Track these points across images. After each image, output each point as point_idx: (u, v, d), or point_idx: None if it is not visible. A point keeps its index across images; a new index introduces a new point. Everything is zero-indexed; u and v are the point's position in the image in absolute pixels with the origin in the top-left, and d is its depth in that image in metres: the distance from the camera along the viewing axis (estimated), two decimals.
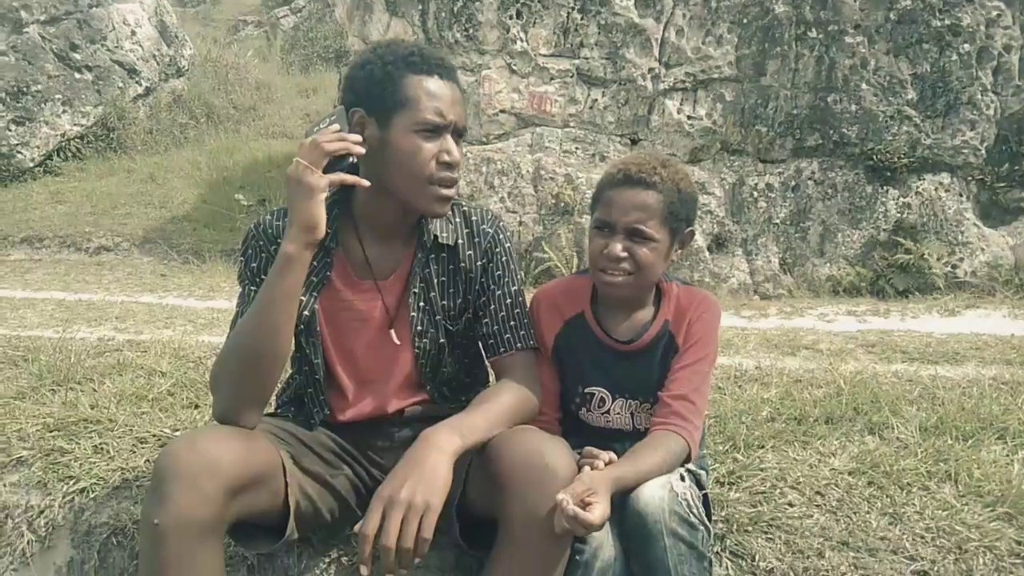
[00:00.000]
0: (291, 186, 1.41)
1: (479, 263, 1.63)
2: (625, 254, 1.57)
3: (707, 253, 5.52)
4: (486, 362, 1.74)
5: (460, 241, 1.63)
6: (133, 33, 8.84)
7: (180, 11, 13.30)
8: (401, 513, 1.27)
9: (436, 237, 1.61)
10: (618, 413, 1.69)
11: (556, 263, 5.47)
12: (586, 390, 1.69)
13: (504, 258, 1.65)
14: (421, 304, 1.61)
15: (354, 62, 1.57)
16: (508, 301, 1.64)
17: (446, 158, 1.49)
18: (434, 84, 1.49)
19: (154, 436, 2.04)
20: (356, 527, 1.30)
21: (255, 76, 10.20)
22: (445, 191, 1.51)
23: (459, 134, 1.54)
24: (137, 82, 8.76)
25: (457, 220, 1.64)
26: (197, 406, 2.26)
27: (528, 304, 1.72)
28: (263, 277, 1.50)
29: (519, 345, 1.63)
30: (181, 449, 1.32)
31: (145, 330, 3.53)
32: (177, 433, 2.05)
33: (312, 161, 1.39)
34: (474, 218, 1.65)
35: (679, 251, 1.67)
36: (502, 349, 1.63)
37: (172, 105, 9.08)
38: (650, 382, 1.65)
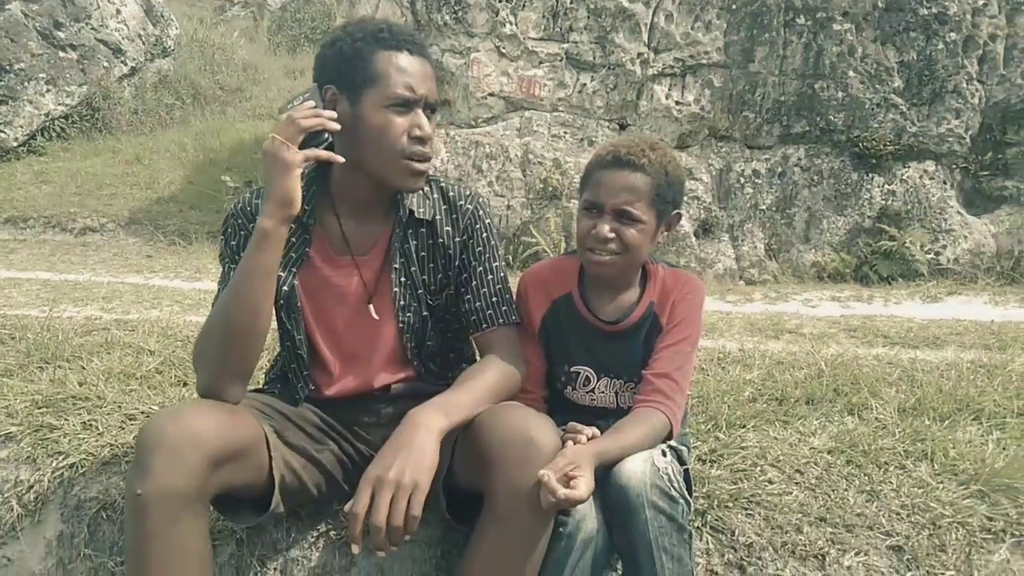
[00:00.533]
0: (267, 161, 1.43)
1: (458, 239, 1.64)
2: (612, 235, 1.59)
3: (694, 238, 5.56)
4: (470, 338, 1.76)
5: (438, 217, 1.64)
6: (118, 12, 8.74)
7: None
8: (390, 492, 1.30)
9: (412, 212, 1.62)
10: (603, 392, 1.72)
11: (544, 247, 5.48)
12: (572, 369, 1.72)
13: (484, 234, 1.66)
14: (402, 279, 1.63)
15: (325, 40, 1.58)
16: (490, 277, 1.65)
17: (417, 132, 1.50)
18: (404, 59, 1.49)
19: (142, 413, 2.05)
20: (346, 507, 1.33)
21: (242, 57, 10.13)
22: (418, 165, 1.52)
23: (431, 109, 1.54)
24: (123, 62, 8.67)
25: (435, 196, 1.65)
26: (185, 384, 2.27)
27: (514, 282, 1.74)
28: (240, 255, 1.52)
29: (501, 321, 1.65)
30: (163, 421, 1.34)
31: (132, 310, 3.53)
32: (149, 416, 2.07)
33: (288, 137, 1.41)
34: (451, 194, 1.66)
35: (665, 233, 1.69)
36: (484, 325, 1.65)
37: (158, 85, 9.00)
38: (635, 362, 1.67)
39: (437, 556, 1.70)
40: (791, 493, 1.78)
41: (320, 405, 1.68)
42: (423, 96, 1.51)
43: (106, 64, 8.46)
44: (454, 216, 1.65)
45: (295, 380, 1.67)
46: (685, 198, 5.81)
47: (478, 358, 1.74)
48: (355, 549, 1.31)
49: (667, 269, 1.74)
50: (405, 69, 1.49)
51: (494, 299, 1.65)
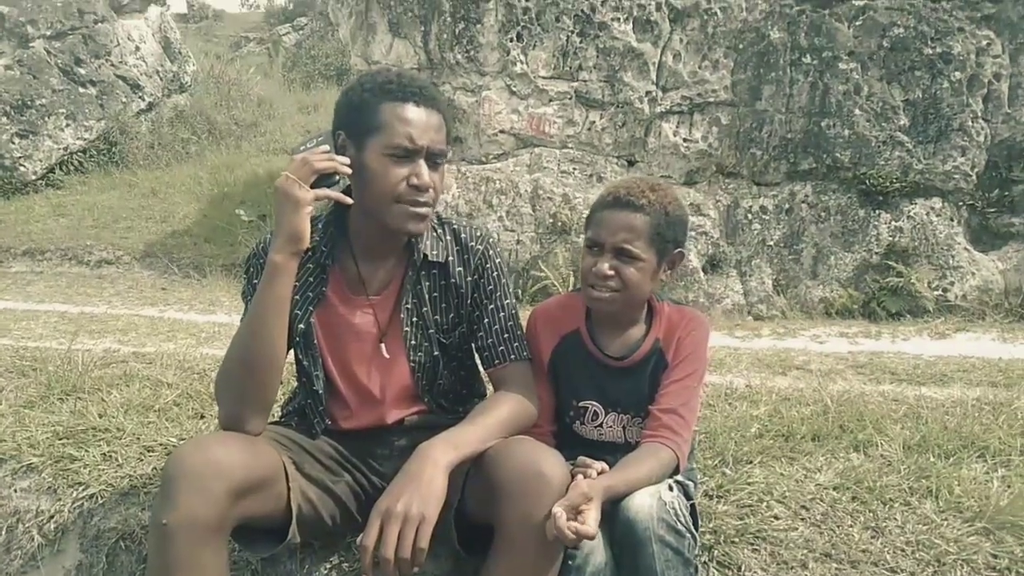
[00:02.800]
0: (278, 198, 1.50)
1: (469, 279, 1.71)
2: (612, 272, 1.64)
3: (702, 274, 5.60)
4: (482, 373, 1.81)
5: (450, 258, 1.70)
6: (137, 49, 8.96)
7: (183, 27, 13.47)
8: (398, 525, 1.34)
9: (426, 256, 1.68)
10: (610, 426, 1.75)
11: (552, 282, 5.54)
12: (580, 404, 1.76)
13: (495, 273, 1.72)
14: (414, 319, 1.69)
15: (348, 85, 1.66)
16: (502, 314, 1.71)
17: (415, 181, 1.55)
18: (409, 111, 1.55)
19: (161, 445, 2.10)
20: (358, 539, 1.36)
21: (257, 92, 10.32)
22: (415, 209, 1.57)
23: (436, 158, 1.59)
24: (140, 97, 8.87)
25: (447, 238, 1.71)
26: (203, 416, 2.32)
27: (524, 317, 1.80)
28: None
29: (513, 356, 1.70)
30: (189, 452, 1.39)
31: (148, 343, 3.59)
32: (175, 448, 2.11)
33: (301, 176, 1.49)
34: (463, 236, 1.72)
35: (668, 271, 1.74)
36: (497, 361, 1.70)
37: (174, 120, 9.18)
38: (642, 397, 1.71)
39: None
40: (796, 529, 1.80)
41: (336, 437, 1.72)
42: (423, 147, 1.56)
43: (124, 99, 8.66)
44: (465, 256, 1.71)
45: (311, 415, 1.72)
46: (693, 234, 5.86)
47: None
48: None
49: (672, 306, 1.78)
50: (409, 120, 1.55)
51: (506, 335, 1.71)
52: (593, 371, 1.75)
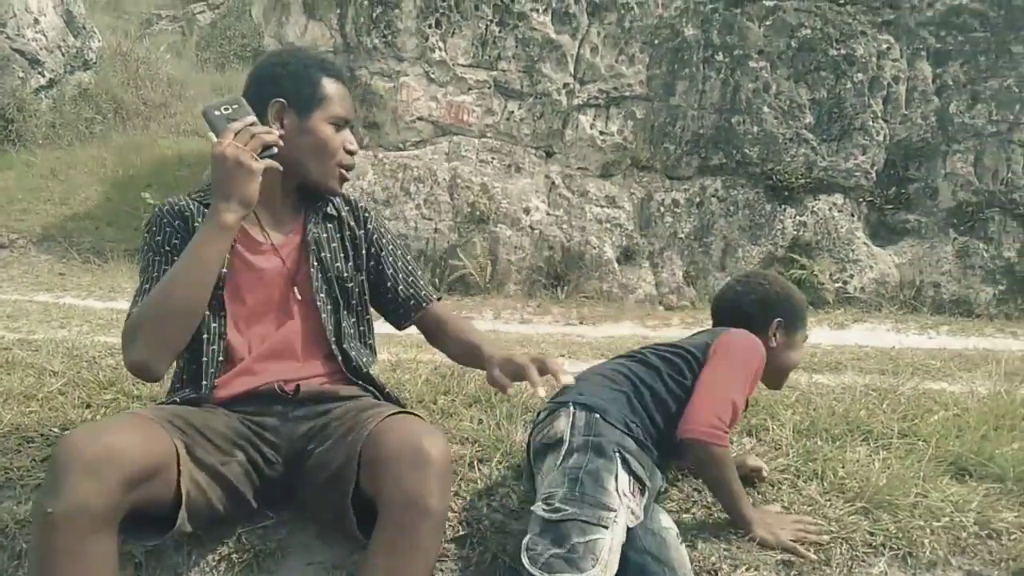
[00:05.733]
0: (229, 166, 1.53)
1: (361, 231, 1.86)
2: None
3: (616, 265, 5.69)
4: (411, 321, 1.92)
5: (343, 214, 1.85)
6: (36, 21, 8.49)
7: (89, 1, 12.81)
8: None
9: (322, 210, 1.82)
10: None
11: (471, 271, 5.54)
12: None
13: (383, 228, 1.91)
14: (316, 263, 1.77)
15: (275, 59, 1.80)
16: (411, 266, 1.90)
17: (350, 147, 1.77)
18: (341, 87, 1.78)
19: (42, 436, 1.99)
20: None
21: (168, 72, 9.92)
22: (346, 173, 1.79)
23: (353, 128, 1.83)
24: (40, 73, 8.41)
25: (337, 200, 1.87)
26: (89, 405, 2.21)
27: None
28: (167, 248, 1.65)
29: (436, 296, 1.91)
30: (81, 438, 1.33)
31: (39, 330, 3.42)
32: (67, 433, 2.02)
33: (252, 148, 1.55)
34: (351, 199, 1.90)
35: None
36: (424, 303, 1.88)
37: (77, 98, 8.75)
38: None
39: None
40: (689, 511, 1.85)
41: (228, 405, 1.67)
42: (352, 118, 1.80)
43: (21, 75, 8.20)
44: (356, 213, 1.88)
45: (207, 369, 1.66)
46: (608, 226, 5.93)
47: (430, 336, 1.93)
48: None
49: None
50: (344, 95, 1.77)
51: (421, 281, 1.91)
52: None
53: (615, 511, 1.50)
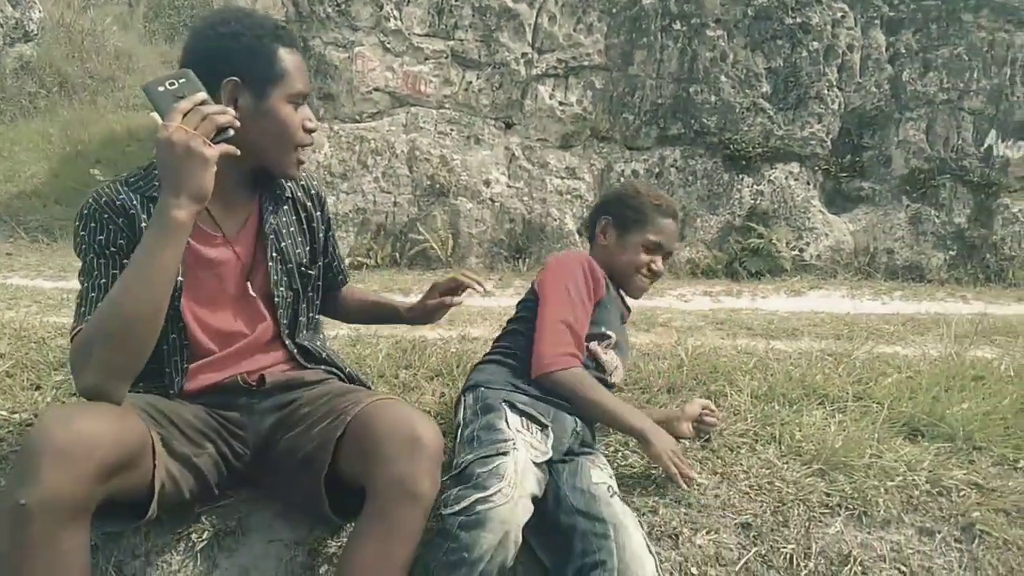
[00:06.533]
0: (178, 153, 1.34)
1: (318, 212, 1.82)
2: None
3: (577, 236, 5.70)
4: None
5: (298, 194, 1.77)
6: None
7: None
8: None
9: (276, 193, 1.72)
10: (610, 360, 1.98)
11: (432, 244, 5.50)
12: (606, 332, 1.97)
13: (327, 207, 1.89)
14: (274, 254, 1.69)
15: (223, 29, 1.55)
16: (339, 243, 1.96)
17: (309, 124, 1.62)
18: (298, 57, 1.60)
19: None
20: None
21: (114, 44, 9.59)
22: (303, 155, 1.65)
23: (308, 101, 1.68)
24: None
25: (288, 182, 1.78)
26: (39, 387, 2.15)
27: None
28: (113, 249, 1.49)
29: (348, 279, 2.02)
30: (54, 425, 1.26)
31: None
32: (15, 416, 1.96)
33: (204, 132, 1.36)
34: (302, 176, 1.80)
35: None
36: (345, 281, 2.00)
37: (19, 72, 8.42)
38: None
39: (304, 554, 1.68)
40: (649, 477, 1.87)
41: (196, 399, 1.64)
42: (310, 91, 1.66)
43: None
44: (311, 193, 1.81)
45: (171, 369, 1.61)
46: (568, 197, 5.89)
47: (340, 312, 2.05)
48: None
49: None
50: (300, 66, 1.60)
51: (344, 263, 1.99)
52: (619, 320, 2.04)
53: (510, 440, 1.56)
